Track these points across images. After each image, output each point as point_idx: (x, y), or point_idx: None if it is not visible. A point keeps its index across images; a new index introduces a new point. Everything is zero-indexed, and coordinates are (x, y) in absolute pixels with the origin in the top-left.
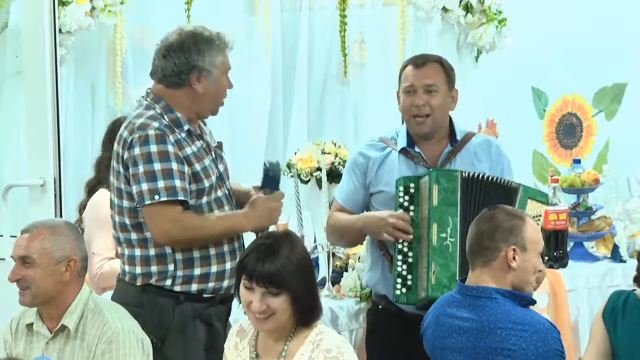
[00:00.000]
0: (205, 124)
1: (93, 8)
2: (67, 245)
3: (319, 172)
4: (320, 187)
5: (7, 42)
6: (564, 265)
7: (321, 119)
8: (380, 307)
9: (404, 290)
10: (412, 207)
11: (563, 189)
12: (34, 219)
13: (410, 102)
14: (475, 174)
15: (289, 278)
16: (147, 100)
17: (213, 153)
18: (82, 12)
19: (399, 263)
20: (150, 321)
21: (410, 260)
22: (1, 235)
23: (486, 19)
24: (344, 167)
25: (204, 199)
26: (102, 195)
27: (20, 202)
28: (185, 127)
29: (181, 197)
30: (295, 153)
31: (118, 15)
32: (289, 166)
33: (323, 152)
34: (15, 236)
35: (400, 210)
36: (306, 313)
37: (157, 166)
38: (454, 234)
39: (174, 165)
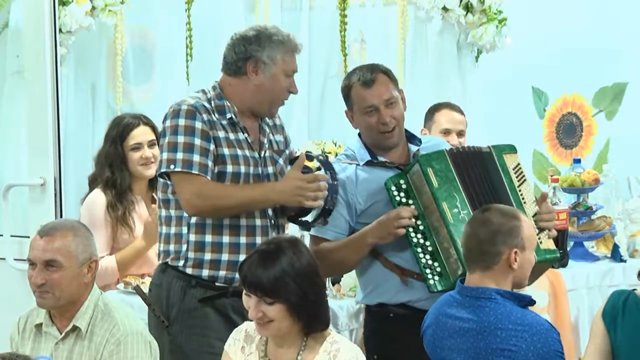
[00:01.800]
0: (273, 127)
1: (93, 8)
2: (88, 246)
3: (319, 171)
4: None
5: (8, 42)
6: (564, 265)
7: (321, 119)
8: (391, 315)
9: (436, 278)
10: (410, 202)
11: (563, 188)
12: (35, 218)
13: (375, 121)
14: (456, 148)
15: (283, 288)
16: (206, 88)
17: (264, 152)
18: (82, 11)
19: (421, 255)
20: (165, 301)
21: (430, 248)
22: (1, 235)
23: (486, 18)
24: None
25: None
26: (97, 195)
27: (21, 202)
28: (228, 116)
29: (195, 171)
30: (296, 153)
31: (118, 14)
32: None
33: (323, 152)
34: (16, 236)
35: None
36: (310, 321)
37: (181, 139)
38: (464, 206)
39: (197, 141)
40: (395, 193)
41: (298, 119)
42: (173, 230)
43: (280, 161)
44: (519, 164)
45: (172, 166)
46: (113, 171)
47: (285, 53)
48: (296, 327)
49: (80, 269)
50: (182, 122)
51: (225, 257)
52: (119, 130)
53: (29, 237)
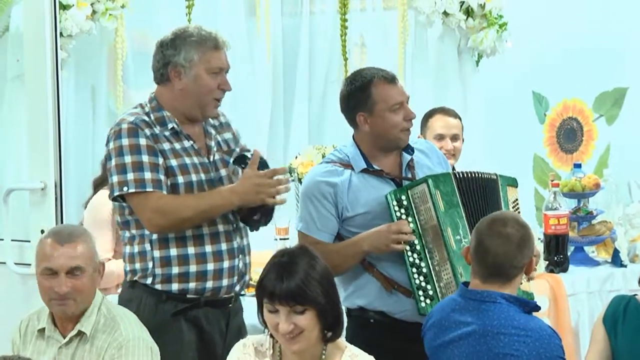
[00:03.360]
0: (219, 127)
1: (94, 12)
2: (97, 249)
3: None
4: None
5: (8, 46)
6: (565, 270)
7: (322, 123)
8: (372, 321)
9: (427, 301)
10: (409, 219)
11: (564, 193)
12: (35, 223)
13: (402, 117)
14: (463, 173)
15: (313, 292)
16: (144, 102)
17: (212, 156)
18: (83, 15)
19: (415, 276)
20: (141, 318)
21: (424, 270)
22: (2, 239)
23: (487, 23)
24: None
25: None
26: (102, 196)
27: (21, 206)
28: (170, 126)
29: (150, 189)
30: (296, 157)
31: (119, 19)
32: (289, 170)
33: (324, 157)
34: (16, 240)
35: None
36: (333, 326)
37: (128, 159)
38: (465, 234)
39: (145, 158)
40: (396, 208)
41: (298, 124)
42: (137, 248)
43: (232, 161)
44: (517, 200)
45: (125, 188)
46: None
47: (204, 52)
48: (319, 339)
49: (95, 273)
50: (125, 141)
51: (193, 268)
52: None
53: (29, 241)
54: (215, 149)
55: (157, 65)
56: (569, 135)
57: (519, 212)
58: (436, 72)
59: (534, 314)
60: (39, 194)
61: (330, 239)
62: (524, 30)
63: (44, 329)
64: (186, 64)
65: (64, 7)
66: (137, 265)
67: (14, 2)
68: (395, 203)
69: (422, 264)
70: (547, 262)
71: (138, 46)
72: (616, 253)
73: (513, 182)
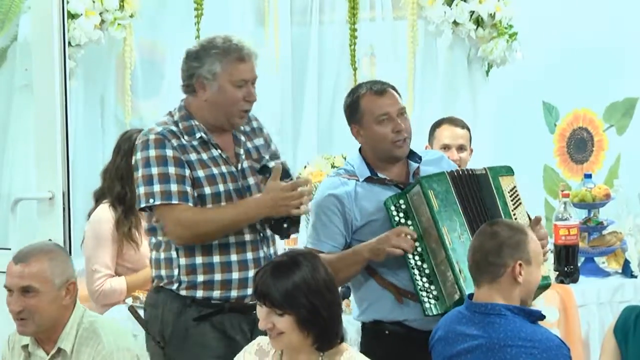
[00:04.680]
0: (251, 132)
1: (102, 21)
2: (65, 269)
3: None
4: None
5: (17, 55)
6: (575, 281)
7: (331, 133)
8: (387, 332)
9: (432, 302)
10: (409, 222)
11: (574, 204)
12: (43, 233)
13: (390, 129)
14: (457, 171)
15: (293, 301)
16: (173, 110)
17: (241, 164)
18: (91, 25)
19: (418, 278)
20: (160, 320)
21: (427, 271)
22: (9, 249)
23: (497, 33)
24: None
25: (209, 207)
26: (103, 211)
27: (29, 216)
28: (198, 135)
29: (175, 201)
30: (305, 167)
31: (127, 28)
32: None
33: (333, 167)
34: None
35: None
36: (320, 337)
37: (154, 170)
38: (464, 230)
39: (171, 170)
40: (395, 213)
41: (307, 134)
42: (163, 255)
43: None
44: (514, 187)
45: (151, 200)
46: (123, 185)
47: (228, 64)
48: (308, 341)
49: (59, 293)
50: (152, 152)
51: (217, 277)
52: (131, 144)
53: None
54: (244, 157)
55: (183, 76)
56: (579, 146)
57: (518, 200)
58: (446, 82)
59: (541, 323)
60: (46, 204)
61: (333, 251)
62: (534, 40)
63: (27, 345)
64: (210, 76)
65: (73, 17)
66: (163, 272)
67: (22, 11)
68: (393, 208)
69: (425, 265)
70: (557, 273)
71: (146, 56)
72: (627, 264)
73: (507, 171)
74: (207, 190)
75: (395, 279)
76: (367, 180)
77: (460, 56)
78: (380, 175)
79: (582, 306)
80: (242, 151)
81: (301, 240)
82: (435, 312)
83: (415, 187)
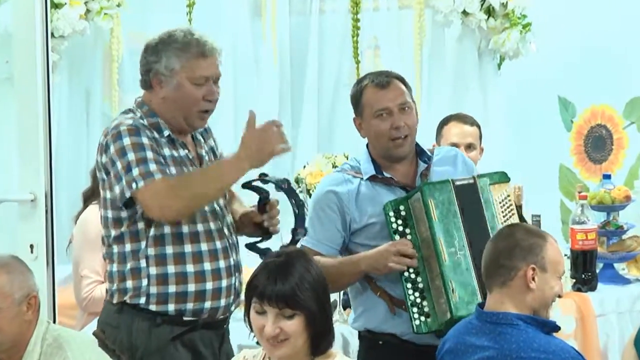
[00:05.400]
0: (204, 133)
1: (88, 11)
2: (24, 282)
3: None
4: None
5: None
6: (593, 289)
7: (332, 131)
8: (380, 342)
9: (422, 318)
10: (407, 231)
11: (592, 206)
12: (24, 236)
13: (388, 125)
14: (465, 180)
15: (305, 297)
16: (132, 107)
17: (205, 165)
18: (76, 15)
19: (410, 292)
20: (126, 344)
21: (420, 285)
22: None
23: (509, 23)
24: None
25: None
26: (91, 213)
27: (10, 219)
28: (166, 133)
29: (158, 177)
30: (304, 167)
31: (115, 18)
32: (297, 181)
33: (334, 166)
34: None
35: (397, 237)
36: (321, 338)
37: (132, 156)
38: (462, 246)
39: (149, 154)
40: (393, 219)
41: (306, 131)
42: (129, 265)
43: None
44: (508, 196)
45: (133, 185)
46: None
47: (187, 60)
48: (306, 347)
49: (19, 308)
50: (127, 141)
51: (192, 287)
52: None
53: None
54: (206, 157)
55: (141, 70)
56: (598, 144)
57: (511, 210)
58: (454, 76)
59: (556, 334)
60: (28, 206)
61: (331, 252)
62: (549, 31)
63: None
64: (167, 72)
65: (56, 6)
66: (129, 284)
67: (1, 0)
68: (392, 214)
69: (419, 279)
70: (574, 280)
71: (135, 48)
72: None
73: (500, 178)
74: None
75: (389, 288)
76: (371, 179)
77: (470, 48)
78: (385, 174)
79: (601, 316)
80: (204, 152)
81: None
82: (424, 330)
83: (416, 193)
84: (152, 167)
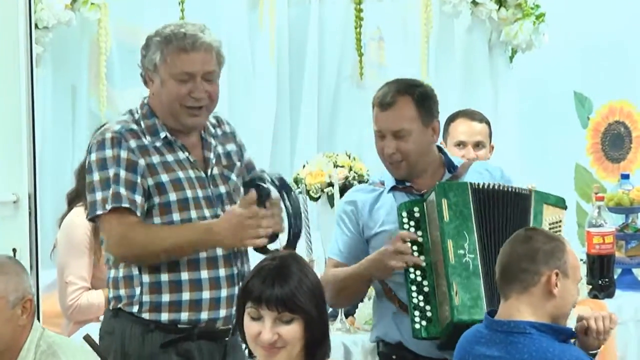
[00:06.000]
0: (222, 136)
1: (74, 1)
2: (19, 284)
3: (330, 188)
4: (332, 205)
5: None
6: (610, 295)
7: (333, 128)
8: (394, 357)
9: (423, 322)
10: (419, 233)
11: (609, 208)
12: (6, 241)
13: (381, 147)
14: (485, 184)
15: (304, 300)
16: (135, 107)
17: (210, 170)
18: (61, 5)
19: (414, 294)
20: (120, 350)
21: (426, 289)
22: None
23: (522, 14)
24: (358, 182)
25: (175, 216)
26: (77, 215)
27: None
28: (162, 135)
29: (126, 205)
30: (304, 166)
31: (102, 9)
32: (296, 181)
33: (335, 166)
34: None
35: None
36: (317, 346)
37: (103, 174)
38: (472, 250)
39: (122, 174)
40: (405, 220)
41: (305, 128)
42: (122, 272)
43: (233, 177)
44: (559, 221)
45: (98, 209)
46: None
47: (168, 54)
48: (301, 356)
49: (13, 311)
50: (109, 152)
51: (186, 296)
52: None
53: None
54: (214, 161)
55: (139, 66)
56: (616, 142)
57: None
58: (463, 70)
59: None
60: (10, 208)
61: (351, 262)
62: (563, 21)
63: None
64: (151, 67)
65: None
66: (122, 292)
67: None
68: (405, 214)
69: (425, 282)
70: (590, 287)
71: (124, 40)
72: None
73: (556, 202)
74: (173, 196)
75: (397, 290)
76: (393, 189)
77: (480, 40)
78: (407, 183)
79: (619, 324)
80: (212, 155)
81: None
82: (424, 335)
83: (431, 193)
84: (122, 190)
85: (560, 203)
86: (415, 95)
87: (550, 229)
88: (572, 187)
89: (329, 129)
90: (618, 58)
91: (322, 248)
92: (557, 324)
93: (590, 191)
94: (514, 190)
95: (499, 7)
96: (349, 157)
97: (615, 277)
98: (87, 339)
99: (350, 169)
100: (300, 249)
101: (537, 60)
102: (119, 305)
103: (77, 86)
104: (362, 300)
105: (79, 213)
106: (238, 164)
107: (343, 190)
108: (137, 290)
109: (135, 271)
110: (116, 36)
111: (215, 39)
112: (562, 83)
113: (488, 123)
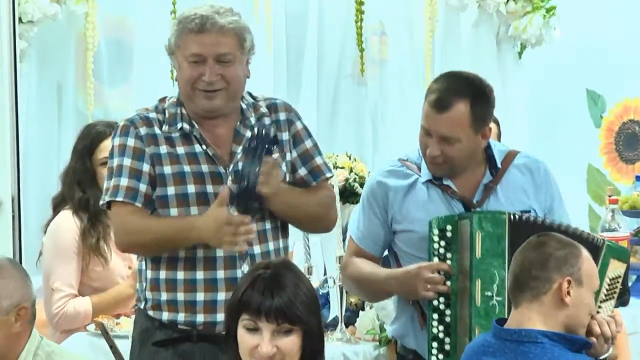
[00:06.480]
0: (275, 124)
1: None
2: (16, 290)
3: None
4: None
5: None
6: (625, 304)
7: (333, 127)
8: (411, 357)
9: (440, 356)
10: (449, 255)
11: (623, 211)
12: None
13: (425, 144)
14: (525, 217)
15: (303, 310)
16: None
17: (234, 165)
18: None
19: (435, 323)
20: (131, 343)
21: (448, 319)
22: None
23: (531, 7)
24: (359, 184)
25: (172, 211)
26: (64, 219)
27: None
28: (179, 126)
29: (120, 198)
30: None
31: (90, 2)
32: None
33: (335, 167)
34: None
35: (436, 259)
36: (314, 356)
37: (114, 162)
38: (501, 291)
39: (127, 161)
40: (436, 239)
41: None
42: (138, 265)
43: (283, 167)
44: (619, 277)
45: (106, 196)
46: (84, 190)
47: (178, 37)
48: None
49: (7, 318)
50: (116, 141)
51: (180, 296)
52: (87, 142)
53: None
54: (240, 156)
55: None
56: (630, 142)
57: (614, 293)
58: (470, 66)
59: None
60: None
61: (376, 250)
62: (575, 15)
63: None
64: (169, 50)
65: None
66: (137, 285)
67: None
68: (437, 232)
69: (447, 312)
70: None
71: (112, 35)
72: None
73: (621, 255)
74: (171, 190)
75: (422, 300)
76: (429, 181)
77: (487, 35)
78: (444, 181)
79: (633, 334)
80: (239, 149)
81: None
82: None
83: (466, 218)
84: (123, 182)
85: (624, 256)
86: (474, 99)
87: (609, 284)
88: (584, 189)
89: (329, 127)
90: (633, 54)
91: (321, 254)
92: (570, 334)
93: (603, 194)
94: (563, 229)
95: (508, 1)
96: (350, 158)
97: (630, 284)
98: (100, 326)
99: (351, 171)
100: (299, 255)
101: (548, 56)
102: (136, 300)
103: (63, 83)
104: (362, 309)
105: (66, 217)
106: (288, 155)
107: (344, 193)
108: (143, 285)
109: (143, 265)
110: (104, 31)
111: (235, 21)
112: (574, 80)
113: (497, 122)
